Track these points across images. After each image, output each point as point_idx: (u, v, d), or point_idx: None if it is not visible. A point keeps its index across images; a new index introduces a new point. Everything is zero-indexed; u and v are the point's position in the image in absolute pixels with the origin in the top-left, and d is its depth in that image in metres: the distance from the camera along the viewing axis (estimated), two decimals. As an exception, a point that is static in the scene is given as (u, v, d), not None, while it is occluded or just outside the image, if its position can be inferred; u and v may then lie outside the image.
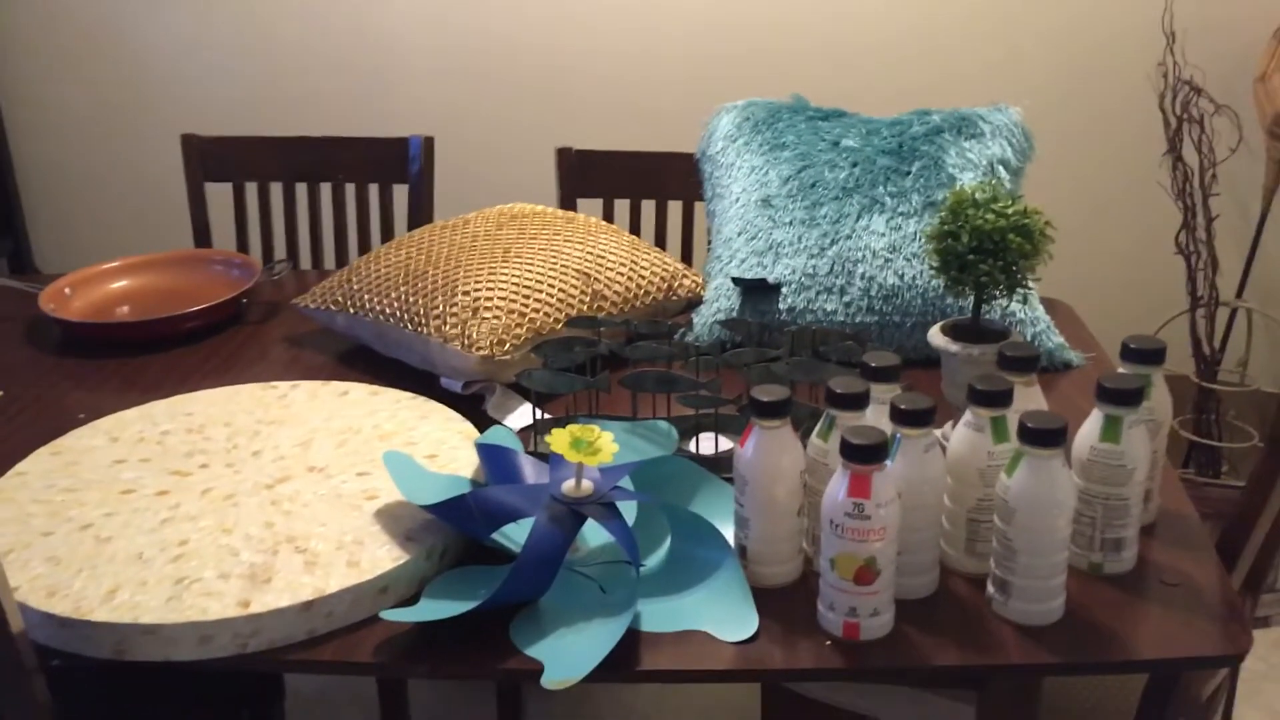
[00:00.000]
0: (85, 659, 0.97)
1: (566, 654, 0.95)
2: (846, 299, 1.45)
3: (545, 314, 1.39)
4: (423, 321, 1.38)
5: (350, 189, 2.01)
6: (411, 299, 1.41)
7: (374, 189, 2.00)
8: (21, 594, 0.98)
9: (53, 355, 1.55)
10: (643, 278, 1.51)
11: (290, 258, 1.98)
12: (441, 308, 1.38)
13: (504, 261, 1.45)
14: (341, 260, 2.02)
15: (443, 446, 1.22)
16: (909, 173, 1.52)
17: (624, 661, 0.95)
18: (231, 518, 1.09)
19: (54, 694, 0.97)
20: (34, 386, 1.45)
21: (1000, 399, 1.00)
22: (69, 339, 1.59)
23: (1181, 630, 0.98)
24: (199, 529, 1.07)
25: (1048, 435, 0.94)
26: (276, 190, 2.01)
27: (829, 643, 0.97)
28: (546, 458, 1.13)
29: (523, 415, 1.33)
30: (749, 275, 1.49)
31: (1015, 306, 1.44)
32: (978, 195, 1.18)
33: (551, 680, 0.91)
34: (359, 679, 2.11)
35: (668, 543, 1.10)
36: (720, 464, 1.19)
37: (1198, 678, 1.23)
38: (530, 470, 1.12)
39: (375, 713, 1.86)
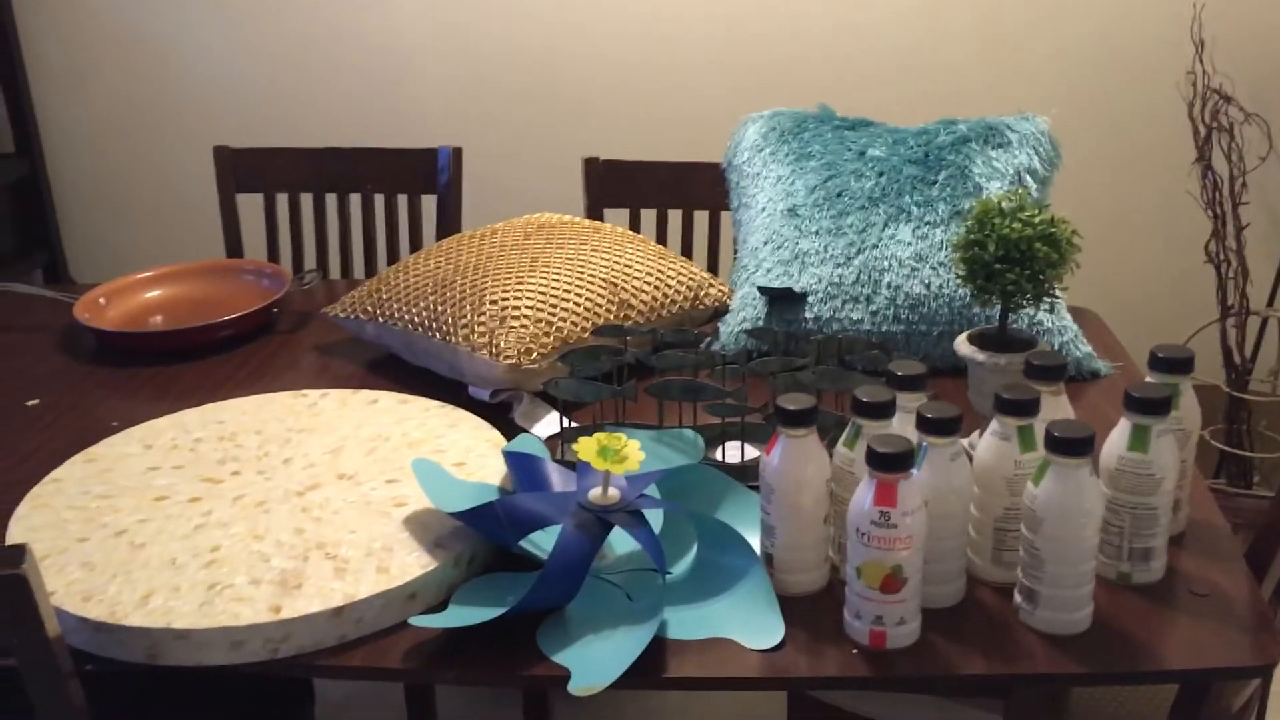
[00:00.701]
0: (119, 663, 0.98)
1: (593, 661, 0.95)
2: (873, 308, 1.46)
3: (572, 323, 1.40)
4: (451, 330, 1.39)
5: (379, 199, 2.03)
6: (440, 308, 1.43)
7: (403, 199, 2.02)
8: (57, 599, 1.00)
9: (86, 364, 1.57)
10: (669, 287, 1.52)
11: (320, 267, 2.00)
12: (469, 317, 1.39)
13: (531, 271, 1.46)
14: (371, 270, 2.03)
15: (471, 454, 1.23)
16: (935, 182, 1.52)
17: (650, 668, 0.96)
18: (263, 524, 1.10)
19: (88, 698, 0.99)
20: (68, 395, 1.47)
21: (1027, 408, 1.00)
22: (103, 348, 1.61)
23: (1211, 640, 0.98)
24: (230, 535, 1.08)
25: (1075, 444, 0.94)
26: (307, 201, 2.04)
27: (855, 651, 0.97)
28: (574, 466, 1.14)
29: (550, 424, 1.34)
30: (775, 284, 1.49)
31: (1043, 315, 1.43)
32: (1004, 204, 1.18)
33: (578, 687, 0.92)
34: (387, 686, 2.12)
35: (694, 550, 1.10)
36: (746, 472, 1.19)
37: (1228, 689, 1.22)
38: (557, 478, 1.13)
39: (403, 718, 1.87)
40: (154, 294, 1.75)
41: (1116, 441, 1.02)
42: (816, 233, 1.52)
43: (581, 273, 1.47)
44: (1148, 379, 1.08)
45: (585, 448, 1.00)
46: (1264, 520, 1.17)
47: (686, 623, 1.01)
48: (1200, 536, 1.12)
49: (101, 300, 1.69)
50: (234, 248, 2.07)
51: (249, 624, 0.96)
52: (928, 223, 1.49)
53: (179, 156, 2.69)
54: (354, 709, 2.12)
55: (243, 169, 2.04)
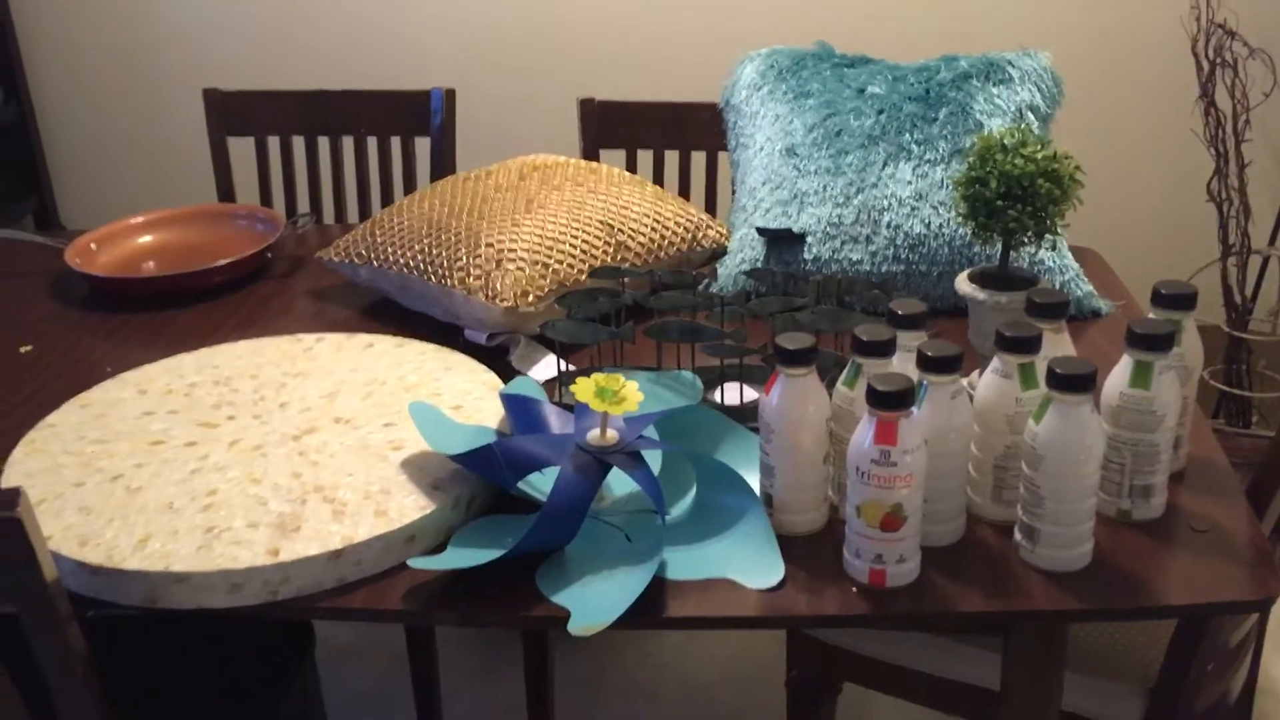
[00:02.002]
0: (120, 607, 0.98)
1: (592, 601, 0.95)
2: (872, 248, 1.44)
3: (569, 265, 1.39)
4: (446, 273, 1.38)
5: (372, 142, 2.00)
6: (435, 251, 1.41)
7: (396, 142, 2.00)
8: (54, 543, 1.00)
9: (79, 310, 1.56)
10: (666, 228, 1.50)
11: (313, 211, 1.98)
12: (465, 259, 1.38)
13: (527, 213, 1.44)
14: (365, 214, 2.01)
15: (468, 398, 1.22)
16: (936, 119, 1.50)
17: (650, 609, 0.96)
18: (260, 468, 1.10)
19: (90, 644, 0.99)
20: (61, 341, 1.46)
21: (1029, 345, 0.99)
22: (95, 294, 1.60)
23: (1210, 576, 0.98)
24: (228, 479, 1.08)
25: (1077, 381, 0.93)
26: (299, 144, 2.01)
27: (855, 590, 0.97)
28: (572, 408, 1.13)
29: (547, 367, 1.33)
30: (774, 225, 1.48)
31: (1044, 254, 1.42)
32: (1006, 140, 1.17)
33: (578, 626, 0.92)
34: (388, 630, 2.13)
35: (693, 491, 1.10)
36: (745, 414, 1.19)
37: (1226, 624, 1.23)
38: (555, 420, 1.12)
39: (404, 663, 1.88)
40: (146, 239, 1.73)
41: (1118, 378, 1.02)
42: (815, 172, 1.50)
43: (578, 214, 1.45)
44: (1150, 315, 1.07)
45: (583, 388, 1.00)
46: (1265, 456, 1.16)
47: (686, 563, 1.01)
48: (1201, 473, 1.12)
49: (93, 246, 1.67)
50: (226, 192, 2.04)
51: (247, 566, 0.96)
52: (928, 161, 1.47)
53: (169, 100, 2.65)
54: (356, 654, 2.13)
55: (233, 112, 2.01)
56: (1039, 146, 1.15)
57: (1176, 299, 1.06)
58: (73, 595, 0.98)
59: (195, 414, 1.20)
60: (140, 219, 1.74)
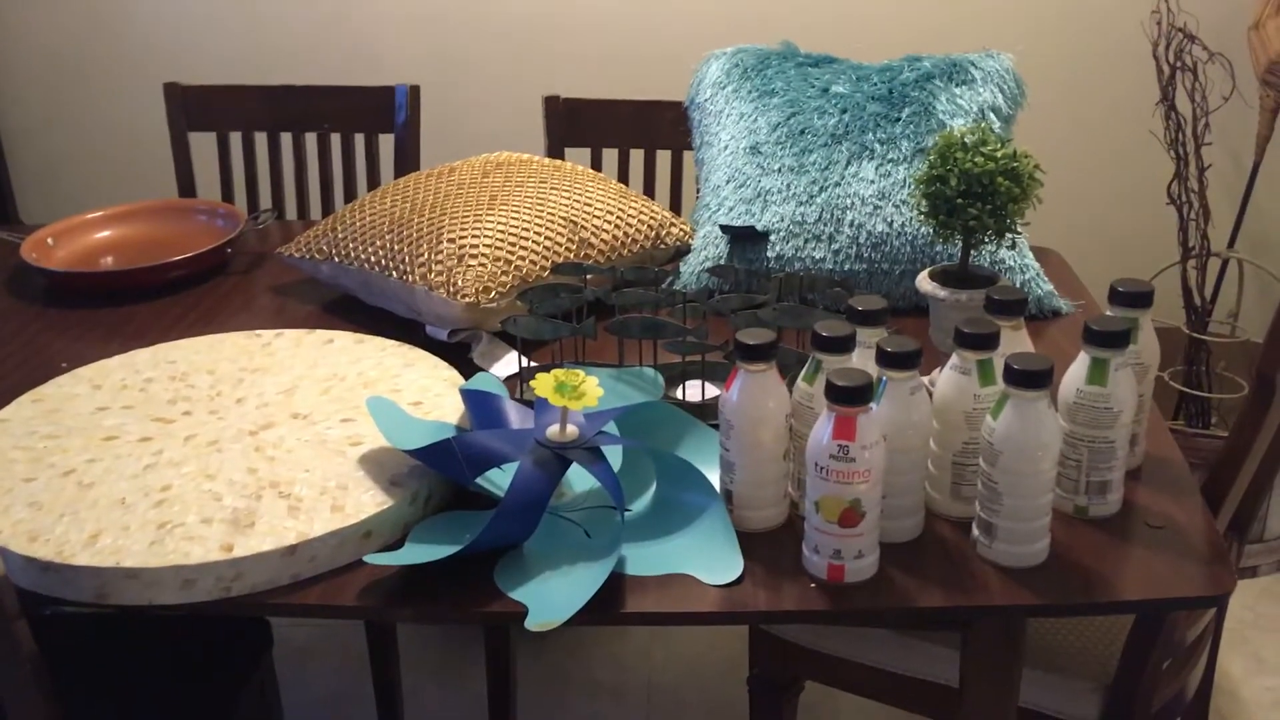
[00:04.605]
0: (70, 603, 0.97)
1: (551, 597, 0.95)
2: (835, 246, 1.44)
3: (531, 261, 1.38)
4: (408, 269, 1.37)
5: (336, 138, 1.99)
6: (397, 247, 1.40)
7: (360, 138, 1.98)
8: (3, 539, 0.98)
9: (35, 305, 1.53)
10: (630, 226, 1.50)
11: (275, 207, 1.96)
12: (427, 255, 1.37)
13: (490, 209, 1.43)
14: (327, 210, 2.00)
15: (428, 394, 1.21)
16: (899, 119, 1.50)
17: (608, 604, 0.95)
18: (215, 463, 1.08)
19: (41, 643, 0.97)
20: (16, 336, 1.44)
21: (987, 341, 0.99)
22: (52, 289, 1.58)
23: (1166, 572, 0.98)
24: (182, 475, 1.07)
25: (1033, 377, 0.93)
26: (261, 139, 1.99)
27: (813, 585, 0.97)
28: (532, 404, 1.12)
29: (509, 364, 1.33)
30: (737, 223, 1.48)
31: (1005, 253, 1.43)
32: (967, 139, 1.17)
33: (535, 622, 0.91)
34: (348, 629, 2.12)
35: (653, 487, 1.10)
36: (706, 410, 1.18)
37: (1183, 621, 1.24)
38: (515, 416, 1.12)
39: (364, 662, 1.87)
40: (104, 234, 1.71)
41: (1075, 375, 1.02)
42: (779, 170, 1.50)
43: (541, 211, 1.45)
44: (1108, 313, 1.08)
45: (543, 384, 0.99)
46: (1219, 454, 1.18)
47: (645, 559, 1.01)
48: (1157, 471, 1.13)
49: (50, 240, 1.65)
50: (187, 188, 2.02)
51: (200, 562, 0.95)
52: (891, 160, 1.48)
53: (130, 94, 2.62)
54: (316, 653, 2.12)
55: (194, 107, 1.99)
56: (999, 145, 1.16)
57: (1134, 297, 1.07)
58: (22, 591, 0.97)
59: (150, 409, 1.19)
60: (99, 213, 1.72)
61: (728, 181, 1.54)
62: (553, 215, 1.44)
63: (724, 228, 1.47)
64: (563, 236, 1.43)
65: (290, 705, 1.95)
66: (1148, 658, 1.20)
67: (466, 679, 2.03)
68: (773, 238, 1.46)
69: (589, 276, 1.38)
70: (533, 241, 1.40)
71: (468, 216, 1.42)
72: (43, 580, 0.97)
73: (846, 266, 1.44)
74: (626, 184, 1.84)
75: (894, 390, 0.98)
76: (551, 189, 1.50)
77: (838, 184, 1.47)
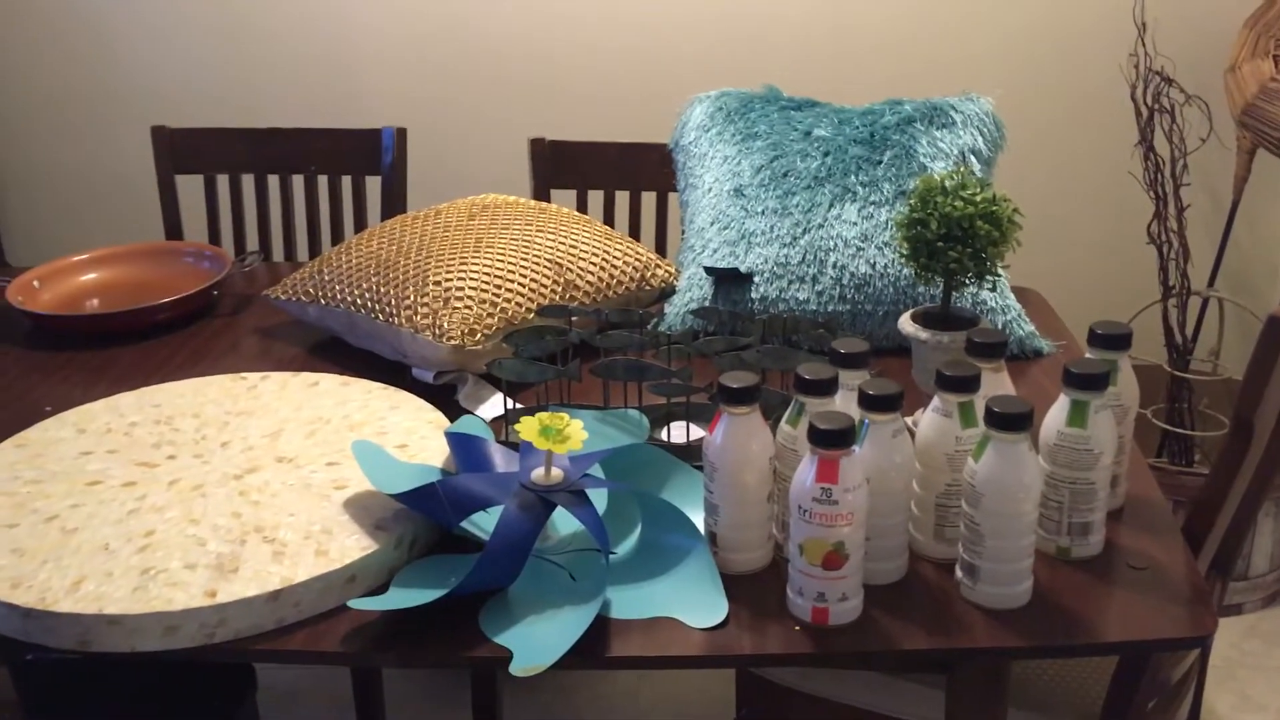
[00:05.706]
0: (52, 651, 0.96)
1: (535, 641, 0.95)
2: (819, 288, 1.46)
3: (517, 304, 1.39)
4: (394, 312, 1.38)
5: (323, 181, 2.00)
6: (383, 289, 1.41)
7: (347, 181, 1.99)
8: (-15, 586, 0.98)
9: (20, 348, 1.53)
10: (615, 268, 1.51)
11: (262, 249, 1.97)
12: (413, 298, 1.37)
13: (475, 251, 1.44)
14: (314, 252, 2.01)
15: (413, 436, 1.21)
16: (881, 162, 1.52)
17: (593, 648, 0.95)
18: (199, 508, 1.08)
19: (21, 688, 0.97)
20: (0, 379, 1.44)
21: (968, 384, 1.00)
22: (38, 332, 1.58)
23: (1148, 613, 0.99)
24: (166, 520, 1.06)
25: (1014, 419, 0.94)
26: (248, 182, 2.00)
27: (798, 628, 0.97)
28: (517, 447, 1.13)
29: (494, 405, 1.33)
30: (721, 265, 1.49)
31: (986, 295, 1.44)
32: (947, 182, 1.19)
33: (520, 667, 0.91)
34: (333, 672, 2.10)
35: (638, 530, 1.10)
36: (691, 452, 1.19)
37: (1167, 661, 1.24)
38: (500, 459, 1.12)
39: (350, 707, 1.85)
40: (90, 276, 1.71)
41: (1055, 417, 1.03)
42: (762, 213, 1.51)
43: (526, 253, 1.45)
44: (1087, 355, 1.09)
45: (527, 427, 1.00)
46: (1200, 494, 1.18)
47: (630, 602, 1.01)
48: (1138, 511, 1.14)
49: (35, 283, 1.65)
50: (174, 230, 2.03)
51: (183, 608, 0.94)
52: (873, 202, 1.49)
53: (117, 137, 2.63)
54: (301, 697, 2.10)
55: (181, 149, 2.00)
56: (978, 189, 1.18)
57: (1112, 339, 1.08)
58: (2, 639, 0.96)
59: (134, 453, 1.18)
60: (85, 256, 1.72)
61: (712, 223, 1.55)
62: (538, 257, 1.45)
63: (708, 269, 1.48)
64: (548, 278, 1.44)
65: (274, 750, 1.93)
66: (1133, 697, 1.20)
67: (452, 722, 2.02)
68: (756, 279, 1.47)
69: (574, 319, 1.39)
70: (518, 284, 1.41)
71: (454, 259, 1.42)
72: (24, 627, 0.96)
73: (830, 308, 1.45)
74: (612, 225, 1.85)
75: (876, 433, 0.99)
76: (537, 231, 1.51)
77: (820, 226, 1.48)
